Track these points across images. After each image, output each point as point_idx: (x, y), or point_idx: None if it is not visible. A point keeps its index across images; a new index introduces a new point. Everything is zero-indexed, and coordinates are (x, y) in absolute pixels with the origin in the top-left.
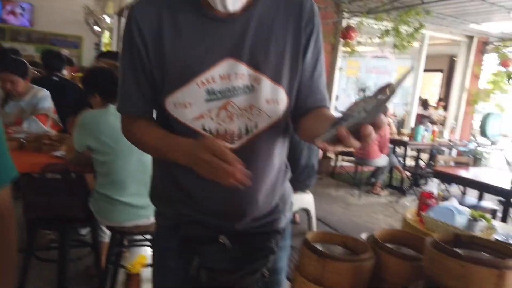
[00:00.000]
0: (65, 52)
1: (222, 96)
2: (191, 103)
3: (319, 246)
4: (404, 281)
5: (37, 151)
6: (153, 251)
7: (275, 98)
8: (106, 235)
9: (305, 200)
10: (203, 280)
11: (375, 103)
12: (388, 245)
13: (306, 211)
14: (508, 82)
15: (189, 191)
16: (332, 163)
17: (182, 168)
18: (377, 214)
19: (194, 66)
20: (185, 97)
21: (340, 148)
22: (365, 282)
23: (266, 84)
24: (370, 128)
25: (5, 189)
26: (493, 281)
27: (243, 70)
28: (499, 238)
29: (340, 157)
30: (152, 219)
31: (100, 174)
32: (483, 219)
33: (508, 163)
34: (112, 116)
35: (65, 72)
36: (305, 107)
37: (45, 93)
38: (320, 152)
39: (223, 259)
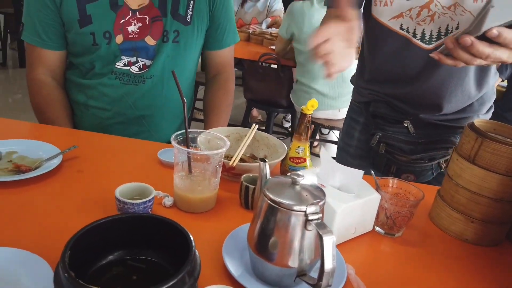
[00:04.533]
0: None
1: None
2: (392, 1)
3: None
4: None
5: (260, 44)
6: (344, 121)
7: None
8: None
9: None
10: (381, 152)
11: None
12: None
13: None
14: None
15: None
16: None
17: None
18: None
19: None
20: None
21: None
22: None
23: None
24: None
25: (230, 48)
26: None
27: None
28: None
29: None
30: (340, 114)
31: (299, 63)
32: None
33: None
34: (316, 11)
35: None
36: None
37: None
38: None
39: (403, 141)
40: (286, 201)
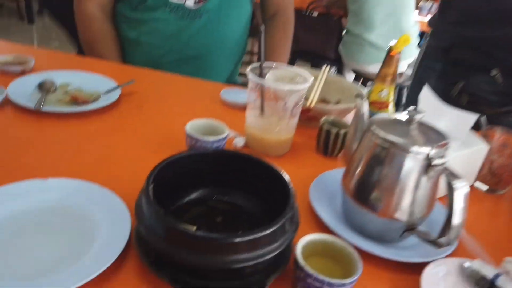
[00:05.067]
0: None
1: None
2: None
3: None
4: None
5: None
6: (417, 68)
7: None
8: None
9: None
10: (463, 104)
11: None
12: None
13: None
14: None
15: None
16: None
17: None
18: None
19: None
20: None
21: None
22: None
23: None
24: None
25: None
26: None
27: None
28: None
29: None
30: None
31: (352, 12)
32: None
33: None
34: None
35: None
36: None
37: None
38: None
39: (490, 91)
40: (403, 141)
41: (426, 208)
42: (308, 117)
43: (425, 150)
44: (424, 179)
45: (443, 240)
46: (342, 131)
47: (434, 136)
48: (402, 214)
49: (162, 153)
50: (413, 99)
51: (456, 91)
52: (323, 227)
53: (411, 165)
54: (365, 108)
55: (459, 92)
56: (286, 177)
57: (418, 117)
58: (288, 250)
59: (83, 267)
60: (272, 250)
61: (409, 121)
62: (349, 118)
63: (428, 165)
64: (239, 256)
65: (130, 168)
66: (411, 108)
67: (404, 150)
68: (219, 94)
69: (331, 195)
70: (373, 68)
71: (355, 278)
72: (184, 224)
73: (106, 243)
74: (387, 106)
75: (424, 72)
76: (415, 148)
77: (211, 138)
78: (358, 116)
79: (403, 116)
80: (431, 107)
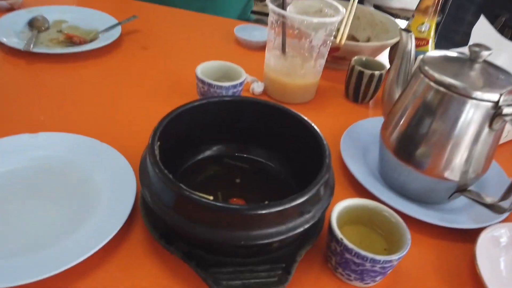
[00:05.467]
0: None
1: None
2: None
3: None
4: None
5: None
6: (452, 2)
7: None
8: None
9: None
10: (507, 35)
11: None
12: None
13: None
14: None
15: None
16: None
17: None
18: None
19: None
20: None
21: None
22: None
23: None
24: None
25: None
26: None
27: None
28: None
29: None
30: None
31: None
32: None
33: None
34: None
35: None
36: None
37: None
38: None
39: None
40: (464, 85)
41: (483, 166)
42: (334, 57)
43: (493, 96)
44: (485, 131)
45: (505, 204)
46: (377, 73)
47: (503, 79)
48: (453, 173)
49: (170, 102)
50: (445, 37)
51: (498, 25)
52: (356, 187)
53: (471, 113)
54: (412, 44)
55: (502, 26)
56: (317, 130)
57: (484, 54)
58: (322, 218)
59: (81, 239)
60: (305, 222)
61: (472, 60)
62: (381, 58)
63: (494, 115)
64: (265, 230)
65: (133, 120)
66: (475, 44)
67: (465, 95)
68: (233, 32)
69: (364, 149)
70: (396, 2)
71: (403, 253)
72: (197, 192)
73: (107, 211)
74: (427, 43)
75: (460, 5)
76: (479, 94)
77: (226, 84)
78: (403, 54)
79: (462, 54)
80: (487, 41)
